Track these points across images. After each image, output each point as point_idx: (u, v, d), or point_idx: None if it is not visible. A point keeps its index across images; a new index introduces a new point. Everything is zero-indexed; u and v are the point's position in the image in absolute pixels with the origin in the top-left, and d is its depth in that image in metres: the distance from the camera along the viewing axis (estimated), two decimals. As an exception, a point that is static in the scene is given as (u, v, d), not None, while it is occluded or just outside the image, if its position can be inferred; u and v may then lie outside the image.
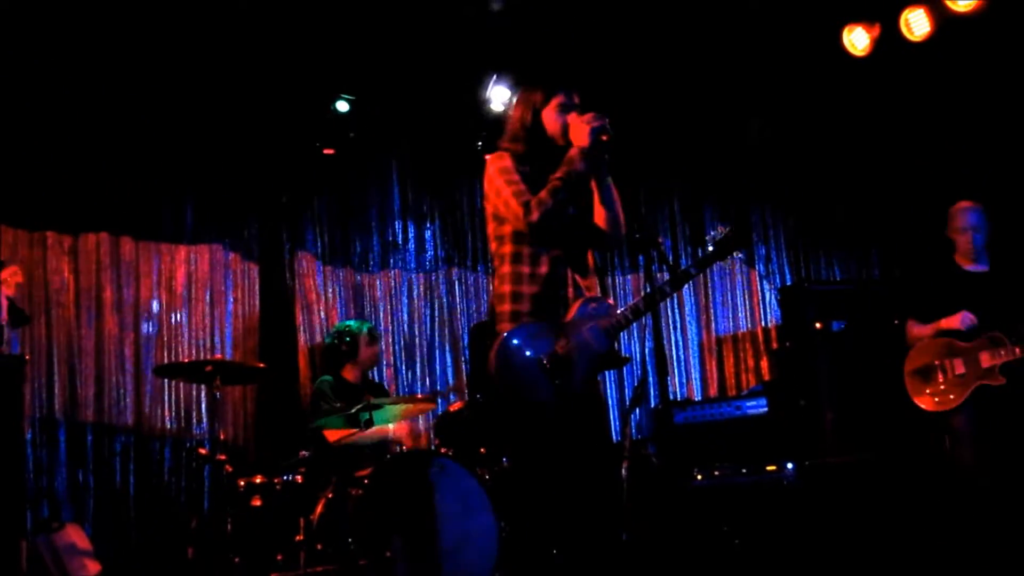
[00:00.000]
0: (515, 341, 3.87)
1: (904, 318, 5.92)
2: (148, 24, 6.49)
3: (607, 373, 8.63)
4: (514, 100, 4.38)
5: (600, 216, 4.13)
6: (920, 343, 5.76)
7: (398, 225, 8.30)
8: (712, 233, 4.13)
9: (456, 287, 8.41)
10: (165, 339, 7.27)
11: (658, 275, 4.00)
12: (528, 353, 3.85)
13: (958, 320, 5.58)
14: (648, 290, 3.91)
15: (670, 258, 4.05)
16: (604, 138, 3.90)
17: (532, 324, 3.91)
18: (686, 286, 8.71)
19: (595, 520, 3.94)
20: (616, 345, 4.03)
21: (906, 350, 5.82)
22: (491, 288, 4.13)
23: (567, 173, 3.92)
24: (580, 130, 3.93)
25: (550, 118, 4.09)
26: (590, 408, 4.01)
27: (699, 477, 6.67)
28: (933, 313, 5.74)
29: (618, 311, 4.00)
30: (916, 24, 7.13)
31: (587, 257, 4.18)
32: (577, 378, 3.87)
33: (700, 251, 8.76)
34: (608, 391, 8.66)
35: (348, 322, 7.15)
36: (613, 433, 8.38)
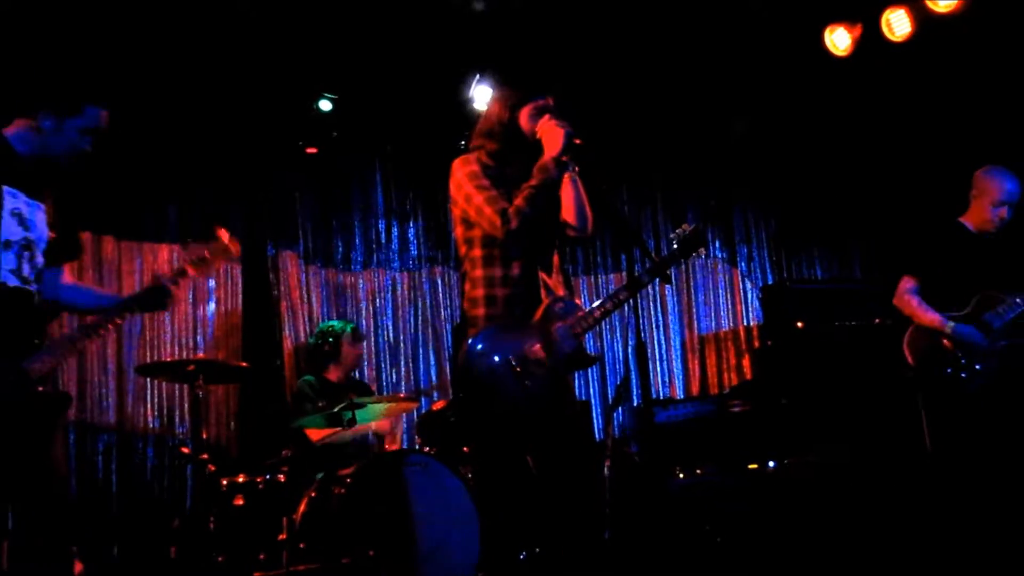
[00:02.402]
0: (482, 345, 3.88)
1: (901, 274, 5.71)
2: (131, 23, 6.46)
3: (591, 372, 8.66)
4: (491, 98, 4.39)
5: (568, 210, 4.14)
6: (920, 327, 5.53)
7: (381, 224, 8.30)
8: (677, 232, 4.14)
9: (440, 286, 8.40)
10: (147, 338, 7.25)
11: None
12: (496, 356, 3.85)
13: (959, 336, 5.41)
14: (614, 289, 3.95)
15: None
16: (577, 141, 3.92)
17: (499, 326, 3.92)
18: (668, 285, 8.80)
19: (575, 519, 3.95)
20: (586, 344, 4.04)
21: (898, 315, 5.64)
22: (464, 291, 4.12)
23: (542, 181, 3.94)
24: (554, 134, 3.94)
25: (523, 119, 4.10)
26: (563, 408, 4.01)
27: (681, 476, 6.68)
28: (936, 275, 5.57)
29: (584, 310, 4.01)
30: (897, 24, 7.17)
31: (553, 256, 4.19)
32: (547, 378, 3.87)
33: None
34: (591, 390, 8.68)
35: (332, 322, 7.15)
36: (596, 432, 8.41)
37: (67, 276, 4.25)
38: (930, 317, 5.50)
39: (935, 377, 5.46)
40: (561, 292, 4.11)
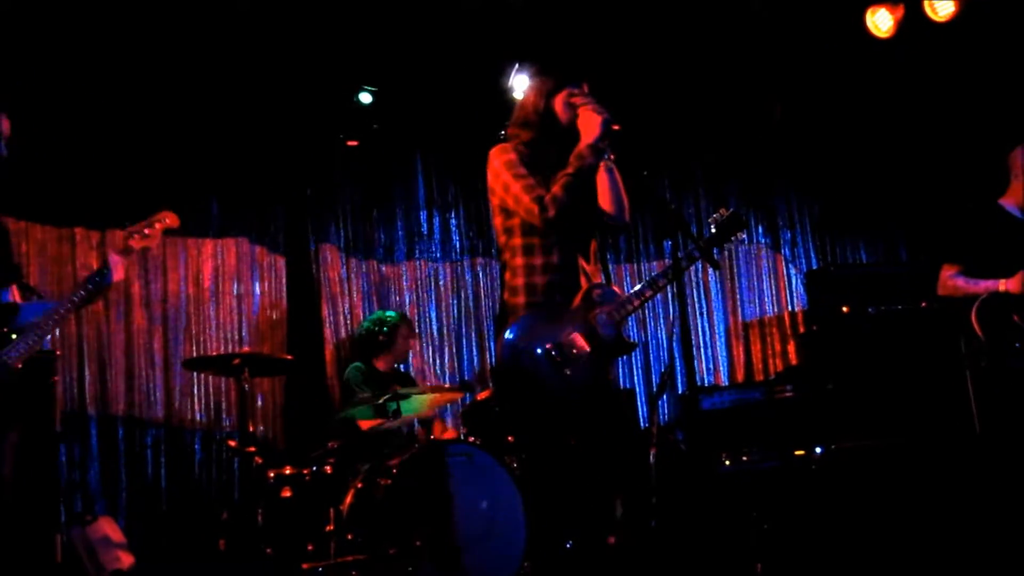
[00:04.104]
0: (521, 333, 3.87)
1: (940, 263, 5.51)
2: (172, 19, 6.51)
3: (635, 360, 8.64)
4: (526, 87, 4.38)
5: (605, 199, 4.13)
6: (988, 296, 5.25)
7: (423, 215, 8.32)
8: (715, 216, 4.12)
9: (481, 276, 8.42)
10: (193, 332, 7.33)
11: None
12: (535, 344, 3.84)
13: (1020, 283, 5.17)
14: (653, 275, 3.94)
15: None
16: (615, 127, 3.90)
17: (537, 314, 3.91)
18: (713, 271, 8.76)
19: (621, 507, 3.94)
20: (629, 331, 4.04)
21: (947, 301, 5.46)
22: (505, 280, 4.11)
23: (578, 169, 3.92)
24: (591, 121, 3.92)
25: (559, 107, 4.09)
26: (603, 395, 4.00)
27: (727, 463, 6.66)
28: (978, 261, 5.37)
29: (623, 297, 4.00)
30: (940, 5, 7.08)
31: (591, 244, 4.18)
32: (587, 366, 3.86)
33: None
34: (635, 377, 8.66)
35: (387, 312, 7.15)
36: (641, 420, 8.39)
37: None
38: (984, 285, 5.28)
39: (1001, 351, 5.25)
40: (599, 279, 4.10)
